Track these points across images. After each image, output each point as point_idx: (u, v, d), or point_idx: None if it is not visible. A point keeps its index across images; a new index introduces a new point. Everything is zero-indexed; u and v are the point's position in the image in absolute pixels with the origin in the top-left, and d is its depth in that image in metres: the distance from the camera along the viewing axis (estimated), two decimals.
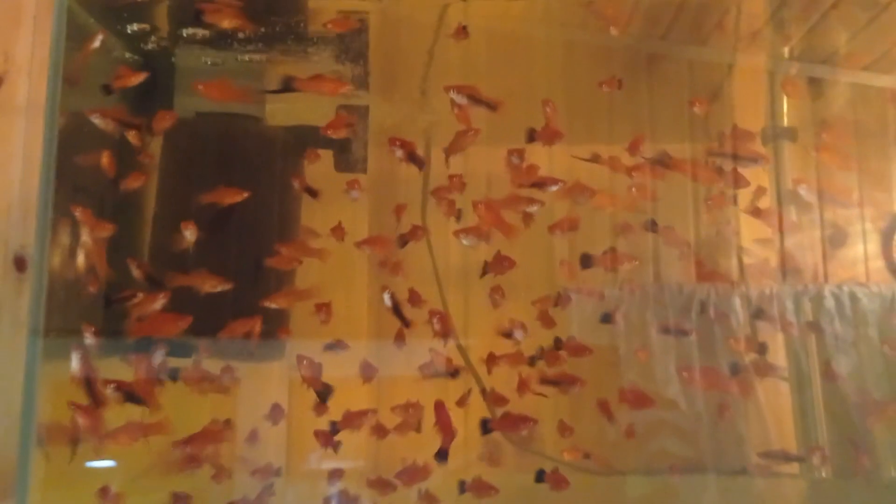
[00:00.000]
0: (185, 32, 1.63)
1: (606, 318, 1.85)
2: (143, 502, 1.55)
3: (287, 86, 1.55)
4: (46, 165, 1.44)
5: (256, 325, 1.54)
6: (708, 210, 1.95)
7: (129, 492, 1.49)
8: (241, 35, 1.64)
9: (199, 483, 1.57)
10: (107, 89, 1.57)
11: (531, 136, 1.68)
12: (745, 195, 1.87)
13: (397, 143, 1.62)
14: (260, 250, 1.60)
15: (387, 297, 1.68)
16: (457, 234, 1.69)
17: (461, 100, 1.60)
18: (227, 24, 1.56)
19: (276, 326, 1.63)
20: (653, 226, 1.90)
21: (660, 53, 1.98)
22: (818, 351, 1.90)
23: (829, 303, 1.96)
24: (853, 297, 1.97)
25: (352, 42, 1.73)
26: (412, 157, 1.66)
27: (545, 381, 1.69)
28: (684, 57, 1.93)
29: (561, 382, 1.68)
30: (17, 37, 1.91)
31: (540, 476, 1.61)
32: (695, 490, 1.69)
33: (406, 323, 1.70)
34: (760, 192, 1.87)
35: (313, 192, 1.68)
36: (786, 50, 1.98)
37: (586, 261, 1.81)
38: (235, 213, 1.55)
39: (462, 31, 1.73)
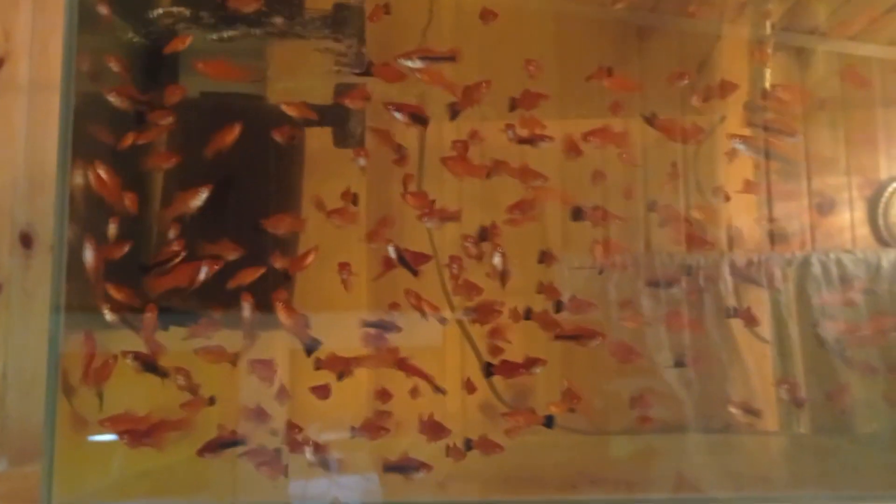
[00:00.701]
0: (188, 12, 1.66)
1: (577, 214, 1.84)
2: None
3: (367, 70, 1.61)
4: (63, 142, 1.47)
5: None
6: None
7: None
8: (242, 15, 1.67)
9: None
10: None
11: (512, 106, 1.71)
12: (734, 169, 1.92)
13: (392, 107, 1.63)
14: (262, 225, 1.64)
15: (392, 250, 1.69)
16: (421, 217, 1.71)
17: (416, 64, 1.61)
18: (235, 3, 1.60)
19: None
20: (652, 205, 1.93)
21: (649, 26, 2.00)
22: (803, 316, 1.95)
23: (816, 269, 2.01)
24: (839, 264, 2.01)
25: (349, 19, 1.75)
26: (415, 118, 1.66)
27: (560, 336, 1.69)
28: (673, 29, 1.96)
29: (580, 336, 1.68)
30: (16, 16, 1.94)
31: (549, 421, 1.63)
32: (678, 448, 1.75)
33: (415, 272, 1.71)
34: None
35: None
36: (767, 24, 2.00)
37: (577, 214, 1.83)
38: (238, 190, 1.59)
39: (489, 15, 1.74)
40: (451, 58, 1.63)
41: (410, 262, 1.71)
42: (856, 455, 1.77)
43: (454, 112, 1.70)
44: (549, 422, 1.61)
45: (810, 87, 2.08)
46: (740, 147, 1.70)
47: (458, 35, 1.81)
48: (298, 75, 1.64)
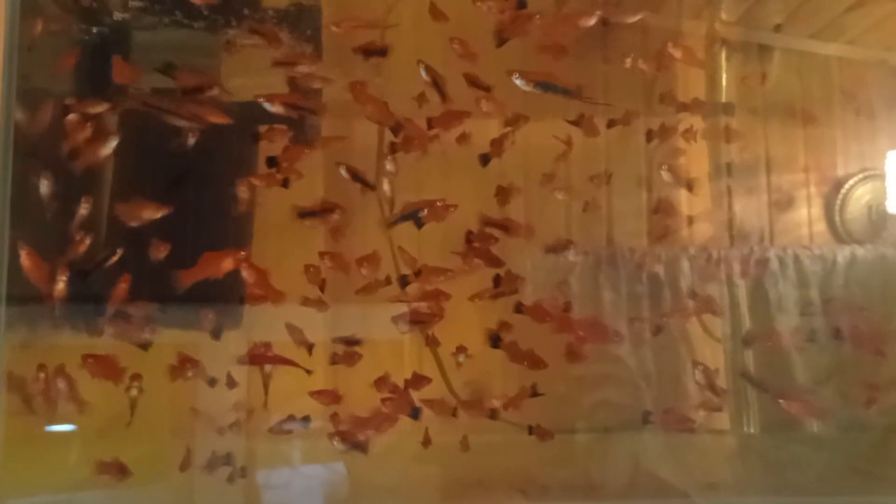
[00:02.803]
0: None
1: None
2: None
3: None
4: (5, 135, 1.44)
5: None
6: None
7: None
8: (197, 9, 1.65)
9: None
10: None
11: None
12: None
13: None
14: (218, 222, 1.62)
15: (343, 170, 1.70)
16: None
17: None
18: None
19: (232, 293, 1.66)
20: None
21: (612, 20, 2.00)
22: (758, 311, 1.98)
23: (774, 265, 2.03)
24: (796, 260, 2.04)
25: (305, 15, 1.73)
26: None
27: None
28: (633, 23, 1.96)
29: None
30: None
31: (495, 341, 1.67)
32: (637, 445, 1.77)
33: (370, 185, 1.72)
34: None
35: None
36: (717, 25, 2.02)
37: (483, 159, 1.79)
38: (193, 187, 1.58)
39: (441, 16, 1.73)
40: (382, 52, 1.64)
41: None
42: (801, 455, 1.81)
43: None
44: (415, 413, 1.63)
45: (769, 85, 2.09)
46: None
47: (417, 25, 1.78)
48: (251, 72, 1.62)
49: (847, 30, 2.05)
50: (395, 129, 1.71)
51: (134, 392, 1.59)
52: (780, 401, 1.76)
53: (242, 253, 1.60)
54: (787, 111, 2.09)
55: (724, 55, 2.05)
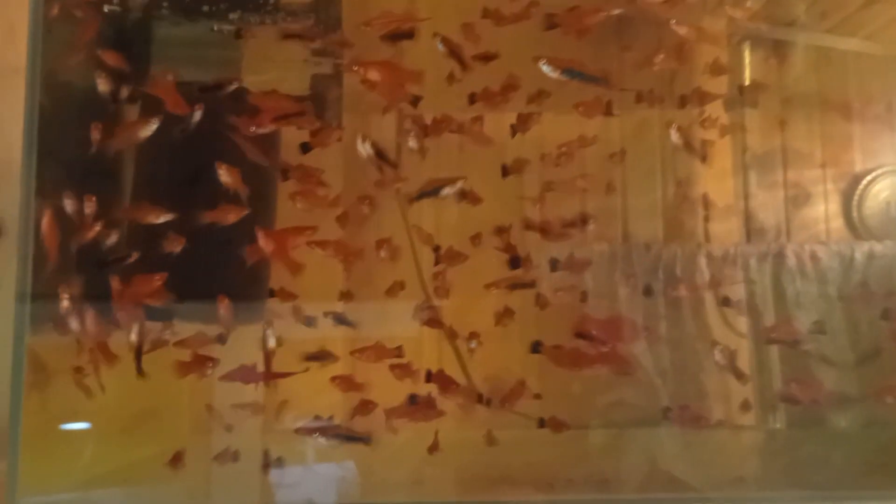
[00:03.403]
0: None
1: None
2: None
3: None
4: (29, 127, 1.43)
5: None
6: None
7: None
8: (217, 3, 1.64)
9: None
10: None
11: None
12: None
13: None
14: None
15: (366, 147, 1.66)
16: None
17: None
18: None
19: (254, 287, 1.65)
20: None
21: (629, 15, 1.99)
22: (779, 308, 1.97)
23: (791, 261, 2.02)
24: (814, 256, 2.03)
25: (326, 9, 1.73)
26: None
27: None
28: (651, 18, 1.94)
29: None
30: None
31: (536, 347, 1.65)
32: (655, 442, 1.75)
33: (393, 164, 1.69)
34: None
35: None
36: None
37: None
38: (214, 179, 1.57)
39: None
40: (409, 35, 1.62)
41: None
42: (827, 450, 1.80)
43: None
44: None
45: (788, 80, 2.08)
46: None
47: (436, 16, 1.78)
48: (273, 65, 1.61)
49: (867, 24, 2.04)
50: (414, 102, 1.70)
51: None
52: (792, 384, 1.76)
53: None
54: (806, 105, 2.08)
55: (746, 48, 2.04)
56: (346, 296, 1.72)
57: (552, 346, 1.66)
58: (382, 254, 1.69)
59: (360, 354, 1.64)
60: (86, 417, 1.62)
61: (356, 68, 1.60)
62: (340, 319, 1.68)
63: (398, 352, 1.64)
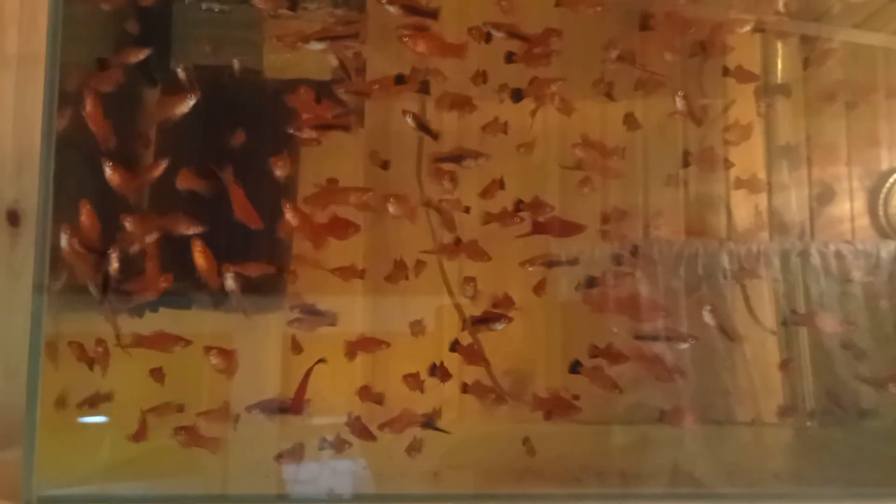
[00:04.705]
0: None
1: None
2: None
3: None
4: (48, 116, 1.42)
5: None
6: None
7: None
8: None
9: None
10: None
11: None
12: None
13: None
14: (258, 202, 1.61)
15: (410, 119, 1.67)
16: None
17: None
18: None
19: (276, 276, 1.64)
20: None
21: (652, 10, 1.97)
22: (805, 306, 1.94)
23: (815, 260, 1.99)
24: (839, 255, 2.00)
25: None
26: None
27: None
28: (677, 13, 1.92)
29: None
30: None
31: (575, 367, 1.64)
32: (677, 439, 1.73)
33: (434, 136, 1.69)
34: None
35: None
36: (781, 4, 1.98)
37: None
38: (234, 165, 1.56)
39: None
40: (433, 14, 1.60)
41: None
42: (857, 448, 1.77)
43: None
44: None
45: (816, 75, 2.05)
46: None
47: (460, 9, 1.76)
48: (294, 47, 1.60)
49: (894, 19, 2.01)
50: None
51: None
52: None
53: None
54: (831, 101, 2.05)
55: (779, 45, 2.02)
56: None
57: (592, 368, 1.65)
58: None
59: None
60: (105, 411, 1.61)
61: (405, 39, 1.59)
62: (311, 311, 1.66)
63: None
